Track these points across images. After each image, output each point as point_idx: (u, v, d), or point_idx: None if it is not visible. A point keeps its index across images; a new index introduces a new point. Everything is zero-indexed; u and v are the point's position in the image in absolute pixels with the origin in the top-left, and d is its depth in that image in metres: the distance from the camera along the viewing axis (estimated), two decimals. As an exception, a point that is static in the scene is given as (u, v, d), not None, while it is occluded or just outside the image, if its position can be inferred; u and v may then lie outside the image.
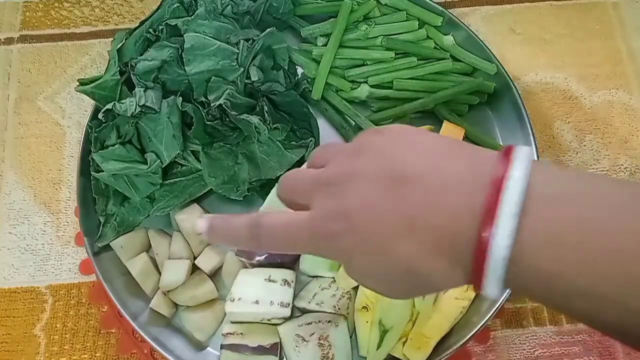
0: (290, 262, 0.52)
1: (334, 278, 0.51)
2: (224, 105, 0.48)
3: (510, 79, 0.57)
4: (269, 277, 0.49)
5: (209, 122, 0.49)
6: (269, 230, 0.33)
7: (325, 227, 0.30)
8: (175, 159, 0.51)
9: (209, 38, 0.50)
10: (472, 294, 0.50)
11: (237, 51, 0.51)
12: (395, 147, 0.30)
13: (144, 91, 0.49)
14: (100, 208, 0.52)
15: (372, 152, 0.30)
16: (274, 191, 0.52)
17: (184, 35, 0.50)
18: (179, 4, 0.53)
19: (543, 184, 0.25)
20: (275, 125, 0.50)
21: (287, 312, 0.48)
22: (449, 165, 0.28)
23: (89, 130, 0.52)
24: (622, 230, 0.24)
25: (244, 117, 0.48)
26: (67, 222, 0.58)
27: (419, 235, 0.27)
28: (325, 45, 0.58)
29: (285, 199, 0.35)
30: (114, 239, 0.51)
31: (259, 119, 0.49)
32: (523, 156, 0.26)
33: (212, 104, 0.49)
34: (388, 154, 0.29)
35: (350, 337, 0.50)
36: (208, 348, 0.50)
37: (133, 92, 0.49)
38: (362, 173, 0.29)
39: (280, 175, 0.51)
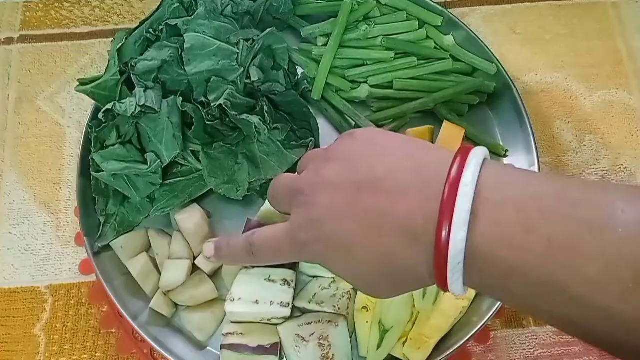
0: (290, 262, 0.52)
1: (334, 278, 0.51)
2: (224, 105, 0.48)
3: (510, 79, 0.57)
4: (269, 277, 0.49)
5: (209, 122, 0.49)
6: (259, 247, 0.37)
7: (298, 236, 0.33)
8: (175, 159, 0.51)
9: (209, 38, 0.50)
10: (472, 294, 0.50)
11: (237, 51, 0.51)
12: (361, 152, 0.32)
13: (144, 91, 0.49)
14: (100, 208, 0.52)
15: (340, 158, 0.32)
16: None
17: (184, 35, 0.50)
18: (179, 4, 0.53)
19: (490, 187, 0.27)
20: (275, 125, 0.50)
21: (287, 312, 0.48)
22: (409, 167, 0.29)
23: (89, 130, 0.52)
24: (558, 223, 0.25)
25: (244, 117, 0.48)
26: (67, 222, 0.58)
27: (382, 237, 0.29)
28: (325, 45, 0.58)
29: (273, 206, 0.39)
30: (114, 239, 0.51)
31: (259, 119, 0.49)
32: (474, 162, 0.27)
33: (212, 104, 0.49)
34: (354, 160, 0.32)
35: (350, 337, 0.50)
36: (208, 348, 0.50)
37: (133, 92, 0.49)
38: (328, 181, 0.32)
39: (280, 175, 0.52)
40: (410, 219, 0.28)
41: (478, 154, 0.28)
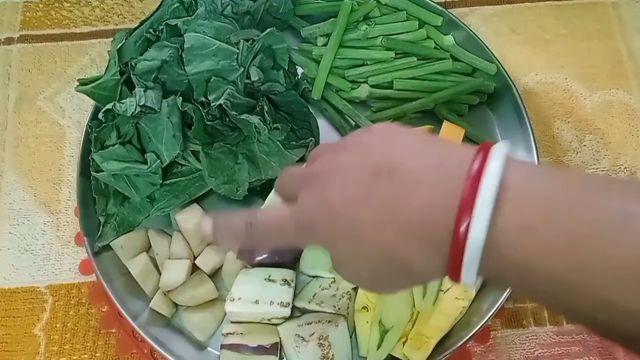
0: (290, 262, 0.52)
1: (334, 278, 0.51)
2: (224, 105, 0.48)
3: (510, 79, 0.57)
4: (269, 276, 0.49)
5: (209, 122, 0.49)
6: (261, 226, 0.35)
7: (306, 217, 0.32)
8: (175, 159, 0.51)
9: (209, 38, 0.50)
10: (472, 294, 0.50)
11: (237, 51, 0.51)
12: (378, 143, 0.31)
13: (144, 91, 0.49)
14: (100, 208, 0.52)
15: (355, 147, 0.32)
16: (274, 191, 0.52)
17: (184, 35, 0.50)
18: (179, 4, 0.53)
19: (516, 178, 0.27)
20: (275, 125, 0.50)
21: (287, 311, 0.48)
22: (426, 159, 0.29)
23: (89, 130, 0.52)
24: (583, 217, 0.25)
25: (244, 117, 0.48)
26: (67, 222, 0.58)
27: (394, 224, 0.29)
28: (325, 45, 0.59)
29: (280, 195, 0.37)
30: (114, 239, 0.51)
31: (259, 119, 0.49)
32: (500, 153, 0.27)
33: (212, 104, 0.49)
34: (370, 148, 0.31)
35: (350, 337, 0.50)
36: (208, 348, 0.50)
37: (133, 92, 0.49)
38: (343, 166, 0.31)
39: (280, 175, 0.51)
40: (428, 208, 0.28)
41: (502, 147, 0.28)
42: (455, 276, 0.28)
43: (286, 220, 0.34)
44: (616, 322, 0.25)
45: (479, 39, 0.59)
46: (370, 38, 0.59)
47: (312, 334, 0.47)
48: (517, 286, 0.29)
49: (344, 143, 0.33)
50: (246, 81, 0.52)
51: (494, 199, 0.26)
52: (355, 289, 0.51)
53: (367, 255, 0.31)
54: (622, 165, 0.60)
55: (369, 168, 0.30)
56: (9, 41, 0.66)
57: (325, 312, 0.49)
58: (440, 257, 0.28)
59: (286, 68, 0.55)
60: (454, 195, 0.27)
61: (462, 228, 0.26)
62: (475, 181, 0.26)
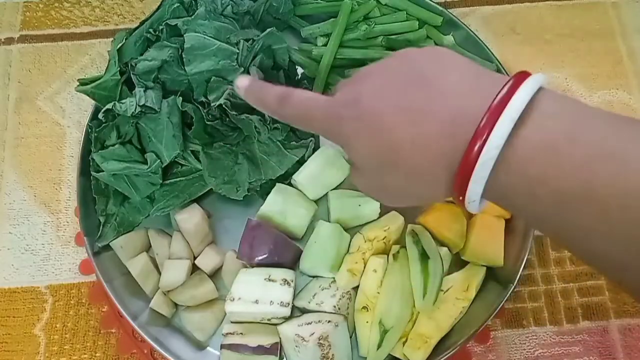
0: (290, 262, 0.52)
1: (334, 278, 0.51)
2: (224, 105, 0.48)
3: (510, 79, 0.57)
4: (269, 276, 0.49)
5: (209, 122, 0.49)
6: (294, 103, 0.37)
7: (336, 110, 0.34)
8: (175, 159, 0.51)
9: (209, 38, 0.50)
10: (472, 294, 0.50)
11: (237, 51, 0.51)
12: (425, 58, 0.32)
13: (144, 91, 0.49)
14: (100, 208, 0.52)
15: (401, 57, 0.33)
16: (274, 191, 0.52)
17: (184, 35, 0.50)
18: (179, 4, 0.53)
19: (545, 103, 0.28)
20: (275, 125, 0.50)
21: (287, 311, 0.48)
22: (463, 77, 0.30)
23: (89, 130, 0.52)
24: (603, 136, 0.26)
25: (244, 117, 0.48)
26: (67, 222, 0.58)
27: (416, 127, 0.30)
28: (325, 45, 0.58)
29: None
30: (114, 239, 0.51)
31: (259, 119, 0.49)
32: (532, 81, 0.28)
33: (212, 104, 0.49)
34: (413, 60, 0.33)
35: (350, 337, 0.50)
36: (208, 348, 0.50)
37: (133, 92, 0.49)
38: (385, 70, 0.33)
39: (280, 175, 0.51)
40: (453, 118, 0.29)
41: (537, 77, 0.29)
42: (462, 190, 0.29)
43: (318, 106, 0.35)
44: (612, 249, 0.26)
45: (479, 39, 0.59)
46: (370, 38, 0.59)
47: (312, 334, 0.47)
48: (519, 204, 0.29)
49: (396, 53, 0.35)
50: (246, 81, 0.52)
51: (516, 117, 0.27)
52: (355, 289, 0.51)
53: (380, 157, 0.32)
54: (622, 165, 0.60)
55: (408, 76, 0.31)
56: (9, 41, 0.66)
57: (325, 312, 0.49)
58: (452, 169, 0.29)
59: (286, 68, 0.55)
60: (480, 111, 0.28)
61: (480, 141, 0.27)
62: (503, 101, 0.27)
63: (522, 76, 0.29)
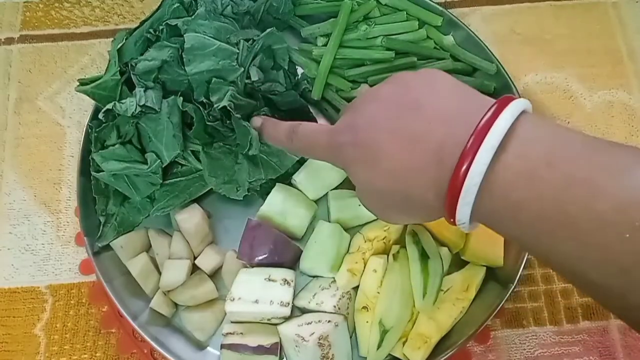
0: (290, 262, 0.52)
1: (334, 278, 0.51)
2: (228, 107, 0.48)
3: (510, 79, 0.57)
4: (269, 276, 0.49)
5: (209, 123, 0.49)
6: (300, 136, 0.41)
7: (336, 138, 0.36)
8: (176, 159, 0.51)
9: (209, 38, 0.50)
10: (472, 294, 0.50)
11: (237, 51, 0.51)
12: (419, 83, 0.34)
13: (144, 91, 0.49)
14: (100, 208, 0.52)
15: (398, 83, 0.35)
16: (274, 191, 0.52)
17: (184, 35, 0.50)
18: (179, 4, 0.53)
19: (525, 129, 0.29)
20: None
21: (287, 311, 0.48)
22: (451, 103, 0.32)
23: (89, 130, 0.52)
24: (581, 163, 0.27)
25: (245, 125, 0.48)
26: (67, 222, 0.58)
27: (408, 153, 0.32)
28: (325, 45, 0.58)
29: None
30: (114, 239, 0.51)
31: (257, 135, 0.49)
32: (514, 106, 0.29)
33: (215, 106, 0.49)
34: (407, 85, 0.34)
35: (350, 337, 0.50)
36: (208, 348, 0.50)
37: (133, 92, 0.49)
38: (381, 97, 0.34)
39: (280, 175, 0.51)
40: (441, 145, 0.30)
41: (519, 102, 0.30)
42: (451, 213, 0.31)
43: (321, 137, 0.38)
44: (592, 273, 0.27)
45: (479, 39, 0.59)
46: (370, 38, 0.59)
47: (312, 334, 0.47)
48: (505, 228, 0.30)
49: (391, 79, 0.36)
50: (246, 81, 0.52)
51: (497, 144, 0.28)
52: (355, 289, 0.51)
53: (382, 180, 0.33)
54: (622, 165, 0.60)
55: (403, 102, 0.33)
56: (9, 41, 0.66)
57: (325, 312, 0.49)
58: (441, 194, 0.31)
59: (286, 68, 0.55)
60: (464, 138, 0.29)
61: (464, 167, 0.29)
62: (484, 128, 0.29)
63: (505, 101, 0.30)
